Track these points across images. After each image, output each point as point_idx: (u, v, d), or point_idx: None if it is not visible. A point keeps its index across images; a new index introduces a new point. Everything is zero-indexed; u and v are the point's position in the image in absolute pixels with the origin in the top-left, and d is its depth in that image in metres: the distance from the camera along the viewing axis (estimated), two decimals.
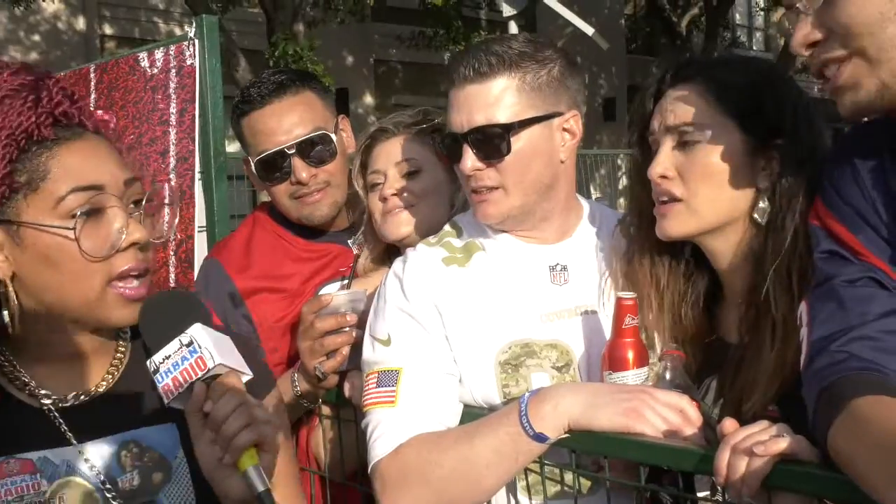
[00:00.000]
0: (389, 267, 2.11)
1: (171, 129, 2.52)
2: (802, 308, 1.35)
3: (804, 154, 1.49)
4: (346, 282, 2.23)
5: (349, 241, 2.32)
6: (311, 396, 2.06)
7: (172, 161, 2.52)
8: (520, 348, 1.68)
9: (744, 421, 1.28)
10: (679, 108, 1.55)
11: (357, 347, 1.95)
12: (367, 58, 16.65)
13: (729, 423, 1.27)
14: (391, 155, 2.07)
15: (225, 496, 1.26)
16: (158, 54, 2.55)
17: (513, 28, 9.00)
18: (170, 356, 1.26)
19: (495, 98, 1.66)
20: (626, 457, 1.46)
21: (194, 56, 2.45)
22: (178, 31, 13.71)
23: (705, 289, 1.68)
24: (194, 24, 2.45)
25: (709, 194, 1.53)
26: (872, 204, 1.31)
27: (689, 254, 1.67)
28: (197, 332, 1.26)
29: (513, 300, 1.72)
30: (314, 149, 2.19)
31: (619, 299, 1.59)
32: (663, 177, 1.55)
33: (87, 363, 1.39)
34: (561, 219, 1.79)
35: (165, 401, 1.26)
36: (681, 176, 1.54)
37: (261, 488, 1.20)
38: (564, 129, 1.72)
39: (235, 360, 1.29)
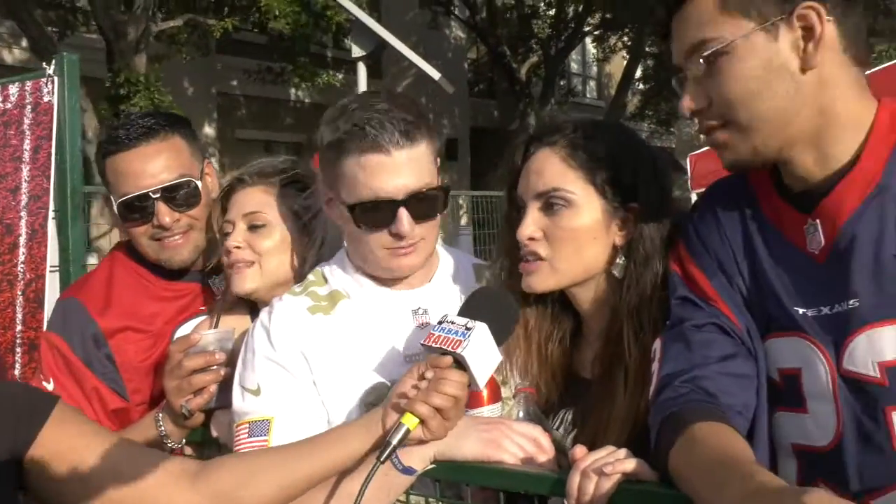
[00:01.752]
0: (249, 308, 2.18)
1: (23, 166, 2.47)
2: (657, 345, 1.52)
3: (657, 216, 1.66)
4: (205, 318, 2.25)
5: (209, 281, 2.34)
6: (175, 436, 2.07)
7: (24, 198, 2.47)
8: (386, 390, 1.75)
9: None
10: (545, 173, 1.69)
11: (224, 385, 2.00)
12: (209, 89, 16.37)
13: (579, 450, 1.41)
14: (241, 206, 2.07)
15: None
16: (13, 89, 2.50)
17: (361, 69, 9.15)
18: (455, 322, 1.52)
19: (423, 160, 1.73)
20: (488, 484, 1.57)
21: (52, 93, 2.42)
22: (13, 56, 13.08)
23: (570, 328, 1.83)
24: (54, 62, 2.43)
25: (571, 254, 1.68)
26: (731, 252, 1.48)
27: (556, 296, 1.80)
28: (481, 329, 1.50)
29: (378, 343, 1.80)
30: (178, 194, 2.20)
31: None
32: (531, 238, 1.69)
33: None
34: (427, 264, 1.89)
35: (423, 341, 1.54)
36: (546, 237, 1.68)
37: (394, 440, 1.45)
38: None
39: (480, 370, 1.51)
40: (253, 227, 2.05)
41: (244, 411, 1.76)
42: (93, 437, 1.45)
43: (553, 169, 1.69)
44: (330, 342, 1.78)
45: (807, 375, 1.38)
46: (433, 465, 1.57)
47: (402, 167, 1.71)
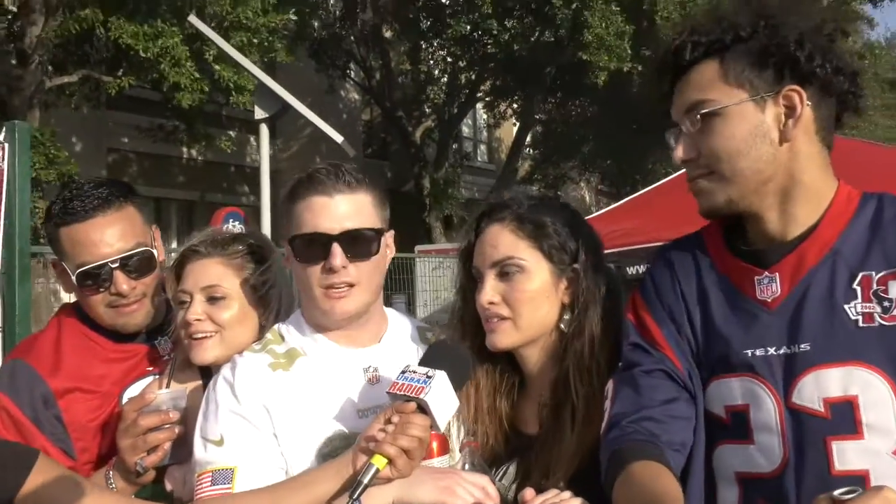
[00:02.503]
0: (200, 371, 2.26)
1: None
2: (609, 385, 1.74)
3: (594, 273, 1.93)
4: (154, 379, 2.33)
5: (155, 342, 2.42)
6: (126, 493, 2.13)
7: None
8: (340, 441, 1.90)
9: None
10: (499, 244, 1.93)
11: (178, 442, 2.11)
12: (100, 145, 16.07)
13: (528, 492, 1.59)
14: (199, 278, 2.13)
15: None
16: None
17: (264, 131, 9.23)
18: (416, 371, 1.71)
19: (363, 206, 1.93)
20: None
21: (3, 159, 2.49)
22: None
23: (515, 385, 2.03)
24: (4, 129, 2.50)
25: (529, 313, 1.91)
26: (683, 302, 1.71)
27: (503, 356, 2.01)
28: (440, 376, 1.69)
29: (332, 399, 1.94)
30: (134, 262, 2.27)
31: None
32: (491, 302, 1.91)
33: None
34: (376, 324, 2.06)
35: (388, 389, 1.72)
36: (505, 300, 1.91)
37: (364, 480, 1.62)
38: (387, 245, 2.02)
39: (441, 414, 1.70)
40: (212, 299, 2.12)
41: (207, 461, 1.86)
42: (75, 489, 1.54)
43: (505, 240, 1.93)
44: (289, 397, 1.91)
45: (754, 411, 1.58)
46: None
47: (341, 208, 1.90)
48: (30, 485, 1.48)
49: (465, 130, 24.39)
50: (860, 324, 1.52)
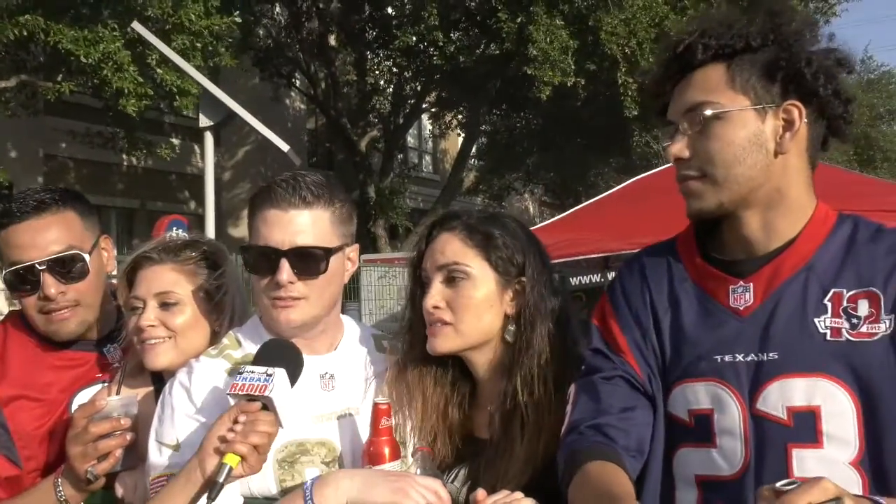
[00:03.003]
0: (152, 377, 2.26)
1: None
2: (571, 389, 1.78)
3: (542, 288, 1.96)
4: (103, 387, 2.30)
5: (104, 350, 2.39)
6: (74, 500, 2.12)
7: None
8: (295, 447, 1.92)
9: None
10: (448, 250, 1.97)
11: (128, 449, 2.10)
12: (36, 151, 15.72)
13: (480, 493, 1.63)
14: (151, 284, 2.15)
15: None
16: None
17: (208, 138, 9.14)
18: (254, 371, 1.75)
19: (316, 223, 1.92)
20: None
21: None
22: None
23: (467, 392, 2.06)
24: None
25: (471, 320, 1.94)
26: (652, 308, 1.74)
27: (455, 363, 2.04)
28: (280, 374, 1.75)
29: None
30: (65, 267, 2.24)
31: (376, 404, 1.87)
32: (436, 307, 1.94)
33: None
34: (331, 333, 2.07)
35: (228, 391, 1.77)
36: (449, 306, 1.94)
37: (220, 479, 1.67)
38: (348, 259, 2.03)
39: (283, 408, 1.75)
40: (165, 305, 2.13)
41: (162, 465, 1.87)
42: None
43: (454, 247, 1.97)
44: None
45: (719, 415, 1.62)
46: None
47: (294, 224, 1.90)
48: None
49: (411, 141, 24.47)
50: (828, 337, 1.57)
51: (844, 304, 1.58)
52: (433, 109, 20.32)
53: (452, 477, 1.99)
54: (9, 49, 10.93)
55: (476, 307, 1.94)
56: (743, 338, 1.62)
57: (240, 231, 19.52)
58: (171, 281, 2.15)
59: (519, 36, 14.10)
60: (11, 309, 2.47)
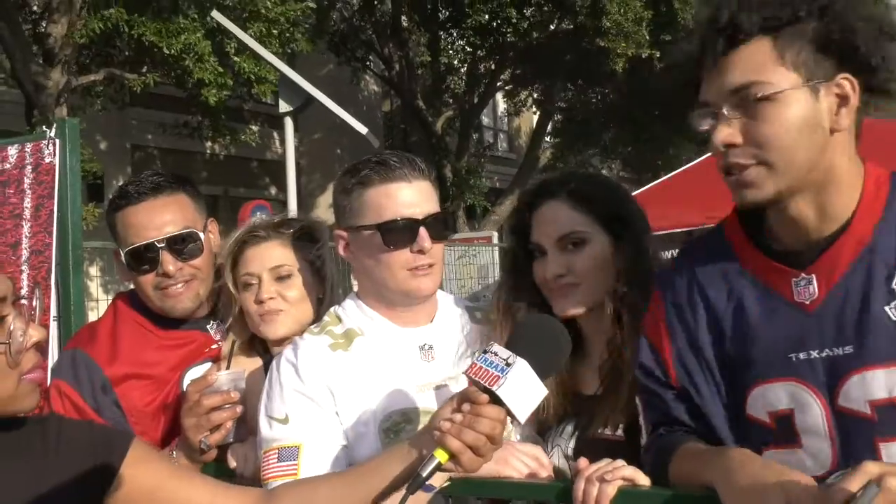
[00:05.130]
0: (256, 353, 2.37)
1: (24, 223, 2.61)
2: (637, 400, 1.83)
3: (639, 247, 2.05)
4: (213, 365, 2.43)
5: (208, 327, 2.53)
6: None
7: (25, 253, 2.61)
8: (399, 416, 1.98)
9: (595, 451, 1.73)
10: (560, 219, 2.05)
11: (238, 421, 2.21)
12: (123, 143, 16.24)
13: (582, 461, 1.67)
14: (265, 259, 2.30)
15: None
16: (12, 150, 2.65)
17: (289, 124, 9.33)
18: (497, 354, 1.54)
19: (431, 191, 2.05)
20: (501, 495, 1.82)
21: (54, 154, 2.58)
22: None
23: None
24: (55, 125, 2.59)
25: (594, 279, 2.03)
26: (707, 314, 1.68)
27: None
28: (521, 365, 1.51)
29: (391, 376, 2.02)
30: (182, 244, 2.38)
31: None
32: (559, 275, 2.03)
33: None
34: (430, 304, 2.14)
35: (465, 371, 1.57)
36: (571, 271, 2.03)
37: (423, 473, 1.50)
38: None
39: (518, 406, 1.52)
40: (279, 279, 2.30)
41: (273, 438, 1.94)
42: (173, 474, 1.57)
43: (565, 215, 2.04)
44: (350, 376, 2.00)
45: (800, 415, 1.57)
46: (449, 482, 1.76)
47: (420, 194, 2.01)
48: (127, 475, 1.51)
49: (485, 120, 24.41)
50: None
51: None
52: (507, 87, 20.22)
53: (560, 431, 2.06)
54: (96, 43, 11.29)
55: (596, 267, 2.03)
56: (814, 333, 1.55)
57: (319, 215, 19.84)
58: (281, 255, 2.30)
59: (592, 8, 13.93)
60: (120, 290, 2.59)
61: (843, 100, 1.51)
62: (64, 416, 1.57)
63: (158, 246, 2.35)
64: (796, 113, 1.49)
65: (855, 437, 1.52)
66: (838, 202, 1.55)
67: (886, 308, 1.50)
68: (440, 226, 2.03)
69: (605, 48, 13.91)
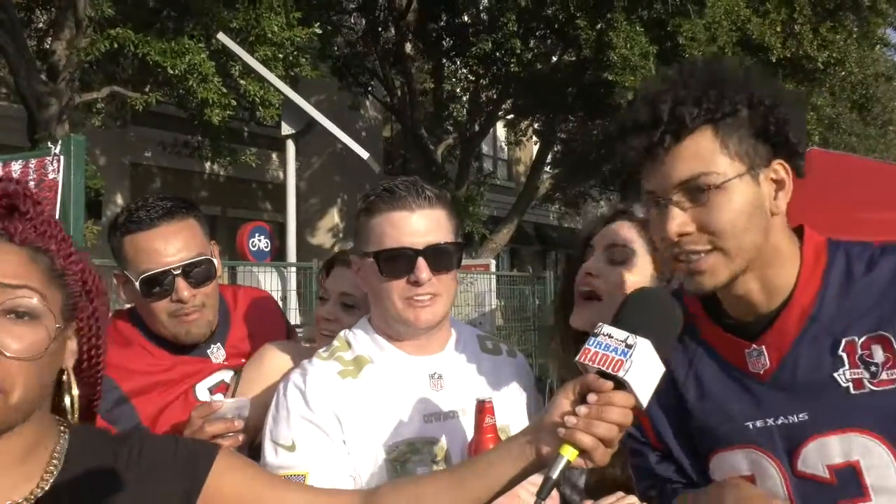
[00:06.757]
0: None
1: None
2: (630, 462, 1.81)
3: None
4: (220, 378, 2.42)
5: (208, 352, 2.48)
6: None
7: None
8: (405, 446, 1.94)
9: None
10: (620, 232, 2.07)
11: (240, 450, 2.14)
12: (122, 160, 16.25)
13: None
14: (339, 283, 2.42)
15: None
16: (16, 166, 2.61)
17: (290, 147, 9.34)
18: (612, 336, 1.39)
19: (441, 221, 1.99)
20: None
21: (58, 171, 2.53)
22: None
23: None
24: (60, 142, 2.55)
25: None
26: (672, 382, 1.66)
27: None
28: (643, 346, 1.37)
29: (399, 405, 1.97)
30: (196, 271, 2.35)
31: (479, 402, 1.86)
32: (590, 274, 2.05)
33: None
34: (443, 333, 2.10)
35: (579, 359, 1.40)
36: (604, 279, 2.03)
37: (553, 475, 1.36)
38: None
39: (643, 391, 1.38)
40: (344, 306, 2.40)
41: (278, 465, 1.90)
42: (263, 482, 1.50)
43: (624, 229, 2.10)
44: (358, 404, 1.95)
45: (760, 481, 1.60)
46: None
47: (423, 223, 1.96)
48: (213, 485, 1.44)
49: (485, 148, 24.49)
50: (851, 391, 1.53)
51: (859, 352, 1.53)
52: (509, 117, 20.29)
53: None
54: (100, 62, 11.30)
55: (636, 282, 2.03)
56: (769, 402, 1.59)
57: (317, 239, 19.80)
58: (354, 285, 2.33)
59: (598, 42, 14.01)
60: (116, 308, 2.54)
61: (779, 184, 1.57)
62: (147, 434, 1.51)
63: (174, 273, 2.32)
64: (744, 199, 1.53)
65: (817, 500, 1.56)
66: (781, 277, 1.59)
67: (835, 374, 1.54)
68: (444, 257, 1.97)
69: (607, 80, 13.96)
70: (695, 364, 1.68)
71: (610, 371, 1.36)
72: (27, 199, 1.35)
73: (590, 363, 1.39)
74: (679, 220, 1.54)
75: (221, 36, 9.94)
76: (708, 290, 1.58)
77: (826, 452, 1.54)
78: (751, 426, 1.60)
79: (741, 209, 1.52)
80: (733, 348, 1.63)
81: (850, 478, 1.53)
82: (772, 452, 1.58)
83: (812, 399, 1.55)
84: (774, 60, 14.38)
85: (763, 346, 1.59)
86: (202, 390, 2.42)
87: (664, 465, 1.74)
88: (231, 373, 2.47)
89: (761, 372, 1.60)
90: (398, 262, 1.95)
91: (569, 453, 1.35)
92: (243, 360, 2.49)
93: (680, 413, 1.69)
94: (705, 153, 1.52)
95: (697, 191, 1.52)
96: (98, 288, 1.45)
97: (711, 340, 1.67)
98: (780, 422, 1.57)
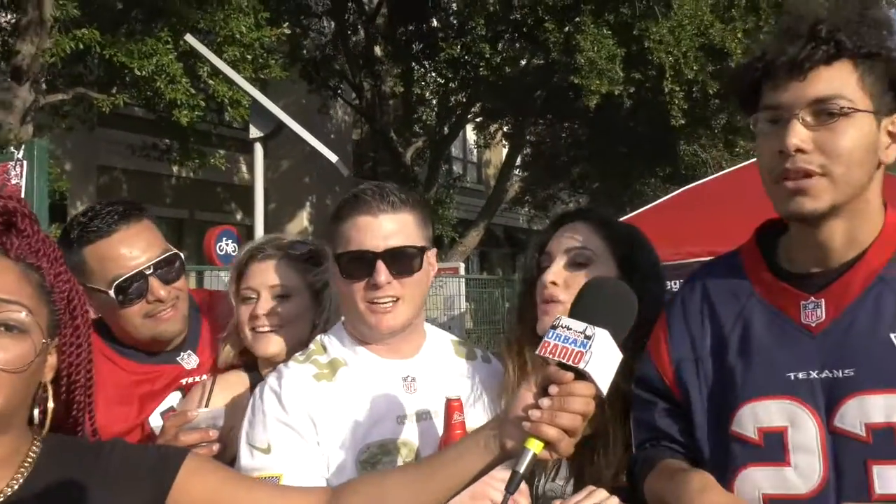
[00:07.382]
0: (242, 365, 2.38)
1: None
2: (632, 415, 1.82)
3: (654, 296, 1.97)
4: (179, 396, 2.40)
5: (178, 359, 2.47)
6: None
7: None
8: (377, 448, 1.95)
9: None
10: (576, 235, 2.05)
11: (215, 459, 2.13)
12: (89, 163, 16.07)
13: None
14: (266, 276, 2.31)
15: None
16: None
17: (258, 150, 9.29)
18: (571, 328, 1.38)
19: (406, 225, 2.01)
20: None
21: (21, 176, 2.52)
22: None
23: None
24: (23, 147, 2.54)
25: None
26: (713, 329, 1.72)
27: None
28: (602, 336, 1.37)
29: (371, 407, 1.99)
30: (168, 267, 2.34)
31: (448, 400, 1.87)
32: (553, 283, 2.01)
33: None
34: (416, 337, 2.12)
35: (539, 352, 1.39)
36: (567, 286, 1.99)
37: (521, 469, 1.36)
38: (429, 263, 2.08)
39: (604, 380, 1.37)
40: (277, 297, 2.30)
41: (253, 467, 1.91)
42: (234, 483, 1.50)
43: (580, 232, 2.07)
44: (333, 407, 1.97)
45: (793, 433, 1.60)
46: None
47: (385, 227, 1.98)
48: (180, 487, 1.44)
49: (455, 151, 24.52)
50: None
51: None
52: (478, 120, 20.34)
53: (554, 469, 2.01)
54: (66, 63, 11.19)
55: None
56: (816, 355, 1.60)
57: None
58: (283, 274, 2.31)
59: (566, 45, 14.09)
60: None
61: (892, 137, 1.61)
62: (122, 443, 1.52)
63: (146, 273, 2.30)
64: (866, 134, 1.57)
65: (848, 457, 1.55)
66: (863, 231, 1.62)
67: (892, 335, 1.55)
68: (405, 260, 1.99)
69: (576, 84, 14.05)
70: (743, 315, 1.70)
71: (571, 363, 1.36)
72: (25, 218, 1.39)
73: (550, 356, 1.38)
74: (802, 135, 1.56)
75: (189, 37, 9.87)
76: (807, 212, 1.59)
77: (867, 411, 1.53)
78: (792, 377, 1.60)
79: (860, 142, 1.56)
80: (789, 299, 1.64)
81: (887, 439, 1.52)
82: (811, 405, 1.58)
83: (862, 356, 1.55)
84: (734, 66, 14.55)
85: (822, 299, 1.60)
86: (155, 417, 2.39)
87: (669, 419, 1.75)
88: (179, 395, 2.44)
89: (813, 325, 1.61)
90: (358, 264, 1.98)
91: (534, 446, 1.36)
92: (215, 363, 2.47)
93: (717, 361, 1.70)
94: (846, 80, 1.57)
95: (826, 113, 1.55)
96: (82, 306, 1.47)
97: (763, 292, 1.69)
98: (823, 375, 1.58)
